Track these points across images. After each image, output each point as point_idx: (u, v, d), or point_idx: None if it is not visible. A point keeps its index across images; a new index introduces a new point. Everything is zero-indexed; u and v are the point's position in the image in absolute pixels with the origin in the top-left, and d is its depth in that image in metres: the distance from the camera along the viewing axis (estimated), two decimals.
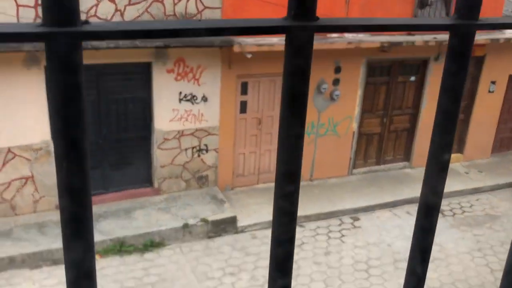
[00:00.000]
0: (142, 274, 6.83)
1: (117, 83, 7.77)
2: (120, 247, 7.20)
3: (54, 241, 7.03)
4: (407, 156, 10.66)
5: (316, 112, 9.23)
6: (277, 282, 0.64)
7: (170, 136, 8.21)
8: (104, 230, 7.36)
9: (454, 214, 9.12)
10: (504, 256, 7.82)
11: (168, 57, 7.77)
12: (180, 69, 7.91)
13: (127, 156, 8.24)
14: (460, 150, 11.25)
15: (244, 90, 8.67)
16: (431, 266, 7.45)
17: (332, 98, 9.23)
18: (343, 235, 8.17)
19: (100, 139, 7.90)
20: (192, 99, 8.13)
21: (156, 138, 8.14)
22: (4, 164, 7.30)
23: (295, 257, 7.49)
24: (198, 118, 8.29)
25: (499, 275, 7.34)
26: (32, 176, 7.52)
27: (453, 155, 11.19)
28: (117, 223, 7.55)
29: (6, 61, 6.78)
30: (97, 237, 7.17)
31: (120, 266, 6.94)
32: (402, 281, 7.14)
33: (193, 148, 8.46)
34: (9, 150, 7.26)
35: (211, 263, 7.17)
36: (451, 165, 11.05)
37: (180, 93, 8.01)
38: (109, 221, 7.56)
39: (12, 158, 7.32)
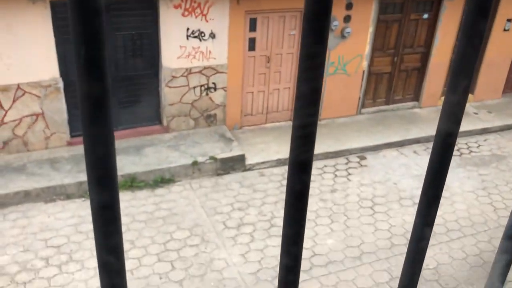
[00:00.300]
0: (153, 208, 7.04)
1: (123, 19, 7.63)
2: (132, 183, 7.37)
3: (67, 176, 7.21)
4: (416, 95, 10.57)
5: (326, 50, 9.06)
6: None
7: (178, 73, 8.16)
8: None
9: (461, 154, 9.17)
10: (508, 195, 7.94)
11: None
12: (188, 5, 7.73)
13: (136, 94, 8.25)
14: (471, 90, 11.10)
15: (252, 26, 8.49)
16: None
17: (342, 36, 9.03)
18: (349, 174, 8.29)
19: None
20: (199, 35, 8.00)
21: (164, 76, 8.10)
22: (14, 101, 7.34)
23: None
24: (206, 56, 8.19)
25: (502, 213, 7.49)
26: (43, 113, 7.59)
27: None
28: (128, 160, 7.69)
29: None
30: None
31: (132, 201, 7.15)
32: (406, 217, 7.34)
33: (201, 86, 8.43)
34: (18, 86, 7.28)
35: (220, 199, 7.35)
36: None
37: (188, 29, 7.87)
38: (120, 158, 7.69)
39: (22, 95, 7.35)
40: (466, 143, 9.54)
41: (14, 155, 7.62)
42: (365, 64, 9.60)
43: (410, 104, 10.54)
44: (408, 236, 6.81)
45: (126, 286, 0.60)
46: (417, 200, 7.68)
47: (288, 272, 0.64)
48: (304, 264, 6.19)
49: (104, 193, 0.54)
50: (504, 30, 10.55)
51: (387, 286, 5.95)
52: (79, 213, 6.80)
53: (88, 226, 6.55)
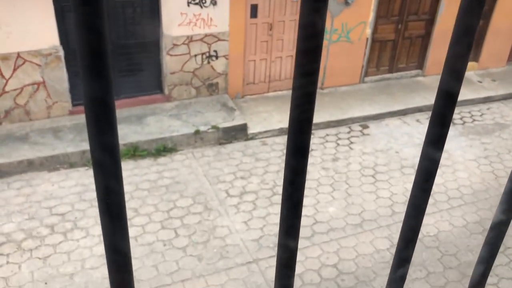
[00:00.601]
0: (156, 177, 7.09)
1: None
2: (134, 152, 7.40)
3: (69, 145, 7.23)
4: (420, 64, 10.45)
5: (329, 17, 8.93)
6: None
7: (179, 41, 8.07)
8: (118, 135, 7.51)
9: (464, 122, 9.14)
10: (510, 164, 7.95)
11: None
12: None
13: (137, 62, 8.18)
14: (476, 58, 10.98)
15: None
16: (437, 172, 7.62)
17: (346, 2, 8.87)
18: (351, 142, 8.29)
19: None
20: (200, 2, 7.87)
21: (165, 44, 8.01)
22: (15, 70, 7.30)
23: None
24: (207, 23, 8.08)
25: (504, 181, 7.52)
26: (44, 82, 7.55)
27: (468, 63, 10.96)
28: (130, 129, 7.69)
29: None
30: None
31: (135, 169, 7.19)
32: (408, 185, 7.37)
33: (202, 54, 8.35)
34: (18, 55, 7.22)
35: (222, 168, 7.39)
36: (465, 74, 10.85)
37: None
38: (122, 126, 7.69)
39: (23, 64, 7.30)
40: (469, 112, 9.50)
41: (16, 124, 7.63)
42: (368, 31, 9.46)
43: (414, 72, 10.45)
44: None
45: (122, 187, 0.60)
46: None
47: (288, 218, 0.65)
48: (306, 231, 6.26)
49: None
50: None
51: (388, 252, 6.03)
52: (83, 181, 6.85)
53: (92, 194, 6.61)
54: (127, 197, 6.63)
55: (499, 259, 5.98)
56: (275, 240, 6.10)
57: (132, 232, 6.04)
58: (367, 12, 9.23)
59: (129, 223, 6.21)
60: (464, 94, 9.84)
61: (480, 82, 10.54)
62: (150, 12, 7.82)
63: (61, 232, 5.98)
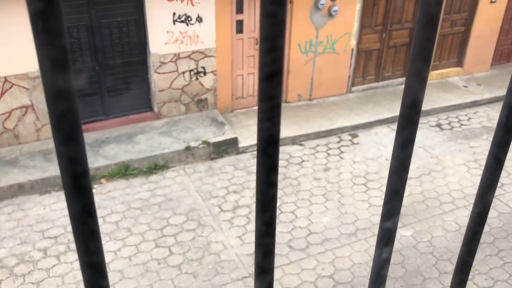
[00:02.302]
0: (148, 195, 7.07)
1: (108, 6, 7.54)
2: (125, 171, 7.38)
3: None
4: (405, 71, 10.57)
5: (314, 30, 9.05)
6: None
7: (166, 59, 8.11)
8: (108, 155, 7.51)
9: (452, 127, 9.24)
10: None
11: None
12: None
13: (125, 81, 8.20)
14: (460, 64, 11.15)
15: (239, 8, 8.43)
16: (428, 178, 7.69)
17: (330, 14, 9.00)
18: (342, 152, 8.34)
19: (96, 65, 7.82)
20: (186, 20, 7.94)
21: (153, 62, 8.05)
22: (2, 94, 7.29)
23: (296, 174, 7.71)
24: (193, 40, 8.14)
25: None
26: (32, 105, 7.54)
27: (452, 69, 11.13)
28: (120, 148, 7.68)
29: None
30: (102, 162, 7.34)
31: (126, 189, 7.17)
32: None
33: (190, 71, 8.40)
34: (5, 79, 7.21)
35: (214, 183, 7.39)
36: (450, 79, 11.04)
37: (174, 13, 7.80)
38: (112, 146, 7.68)
39: (10, 88, 7.29)
40: (456, 117, 9.61)
41: (5, 148, 7.59)
42: (353, 42, 9.59)
43: (400, 80, 10.57)
44: (401, 211, 6.90)
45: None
46: (410, 175, 7.76)
47: (263, 236, 0.63)
48: (300, 243, 6.27)
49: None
50: (491, 1, 10.54)
51: None
52: None
53: None
54: (119, 217, 6.61)
55: (493, 261, 6.02)
56: None
57: (126, 252, 6.00)
58: (351, 23, 9.36)
59: (122, 243, 6.17)
60: (451, 99, 9.98)
61: (466, 87, 10.68)
62: (136, 31, 7.86)
63: (54, 256, 5.93)
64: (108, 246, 6.08)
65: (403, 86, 10.50)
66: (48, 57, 0.46)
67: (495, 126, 9.29)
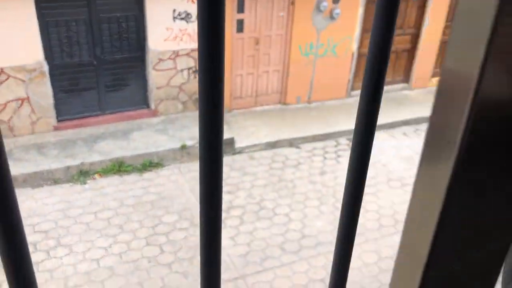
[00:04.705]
0: (141, 192, 7.01)
1: (108, 0, 7.49)
2: (119, 167, 7.32)
3: (54, 161, 7.14)
4: (406, 77, 10.54)
5: (315, 32, 9.00)
6: None
7: (165, 56, 8.06)
8: (103, 150, 7.45)
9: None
10: None
11: None
12: None
13: (123, 77, 8.15)
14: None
15: (240, 8, 8.38)
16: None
17: (332, 17, 8.95)
18: (338, 156, 8.28)
19: (94, 60, 7.77)
20: (186, 17, 7.89)
21: (151, 59, 8.00)
22: None
23: (291, 176, 7.65)
24: (193, 38, 8.09)
25: None
26: (28, 98, 7.48)
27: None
28: (115, 144, 7.62)
29: None
30: (96, 157, 7.28)
31: (120, 185, 7.10)
32: (394, 198, 7.36)
33: (189, 69, 8.34)
34: (2, 70, 7.15)
35: None
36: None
37: (174, 10, 7.75)
38: (107, 142, 7.62)
39: (6, 79, 7.23)
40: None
41: None
42: (354, 46, 9.54)
43: (400, 86, 10.53)
44: (397, 217, 6.85)
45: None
46: (406, 181, 7.71)
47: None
48: (293, 246, 6.20)
49: None
50: None
51: (375, 266, 5.98)
52: (67, 198, 6.75)
53: (76, 210, 6.50)
54: (111, 213, 6.54)
55: None
56: (262, 255, 6.04)
57: (116, 249, 5.94)
58: (352, 27, 9.31)
59: (113, 240, 6.11)
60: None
61: None
62: (136, 27, 7.81)
63: (44, 250, 5.86)
64: (99, 242, 6.01)
65: (403, 91, 10.46)
66: None
67: None
